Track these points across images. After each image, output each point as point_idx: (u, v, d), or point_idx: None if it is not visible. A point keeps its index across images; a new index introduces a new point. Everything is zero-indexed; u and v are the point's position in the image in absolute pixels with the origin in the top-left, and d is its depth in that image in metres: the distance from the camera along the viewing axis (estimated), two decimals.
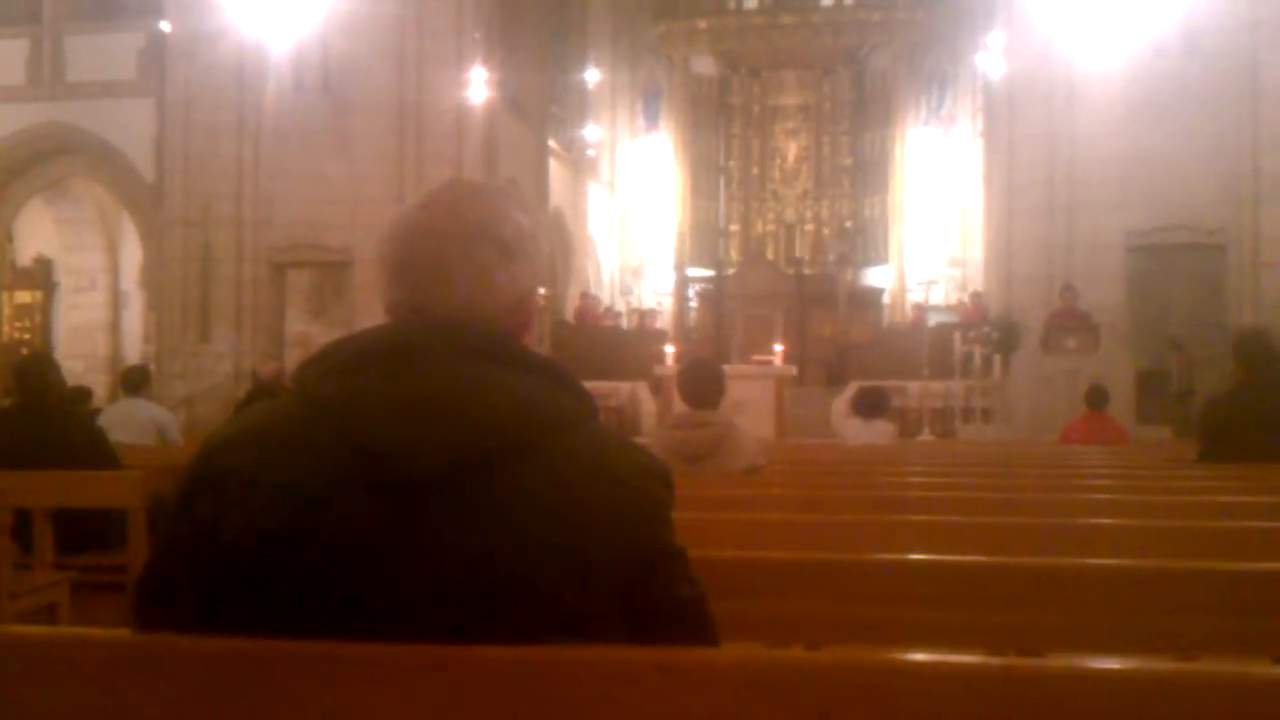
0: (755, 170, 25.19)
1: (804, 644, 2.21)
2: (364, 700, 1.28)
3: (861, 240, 24.47)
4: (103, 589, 5.03)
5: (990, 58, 16.37)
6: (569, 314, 20.91)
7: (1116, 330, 14.09)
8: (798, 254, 23.98)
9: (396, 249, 1.54)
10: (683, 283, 23.53)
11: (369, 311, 13.47)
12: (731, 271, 22.70)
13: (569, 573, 1.36)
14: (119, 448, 6.12)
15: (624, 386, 16.37)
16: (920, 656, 1.31)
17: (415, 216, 1.55)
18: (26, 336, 19.87)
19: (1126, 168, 14.32)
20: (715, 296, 21.85)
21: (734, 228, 25.17)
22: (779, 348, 15.65)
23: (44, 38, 17.36)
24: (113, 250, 20.03)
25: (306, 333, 16.08)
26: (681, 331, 21.69)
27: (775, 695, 1.25)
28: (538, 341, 14.75)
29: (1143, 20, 13.88)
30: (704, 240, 24.87)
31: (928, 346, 15.54)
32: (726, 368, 5.50)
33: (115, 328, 20.11)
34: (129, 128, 16.65)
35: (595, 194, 24.97)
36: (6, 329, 19.89)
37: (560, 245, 22.58)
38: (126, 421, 8.13)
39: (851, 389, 12.88)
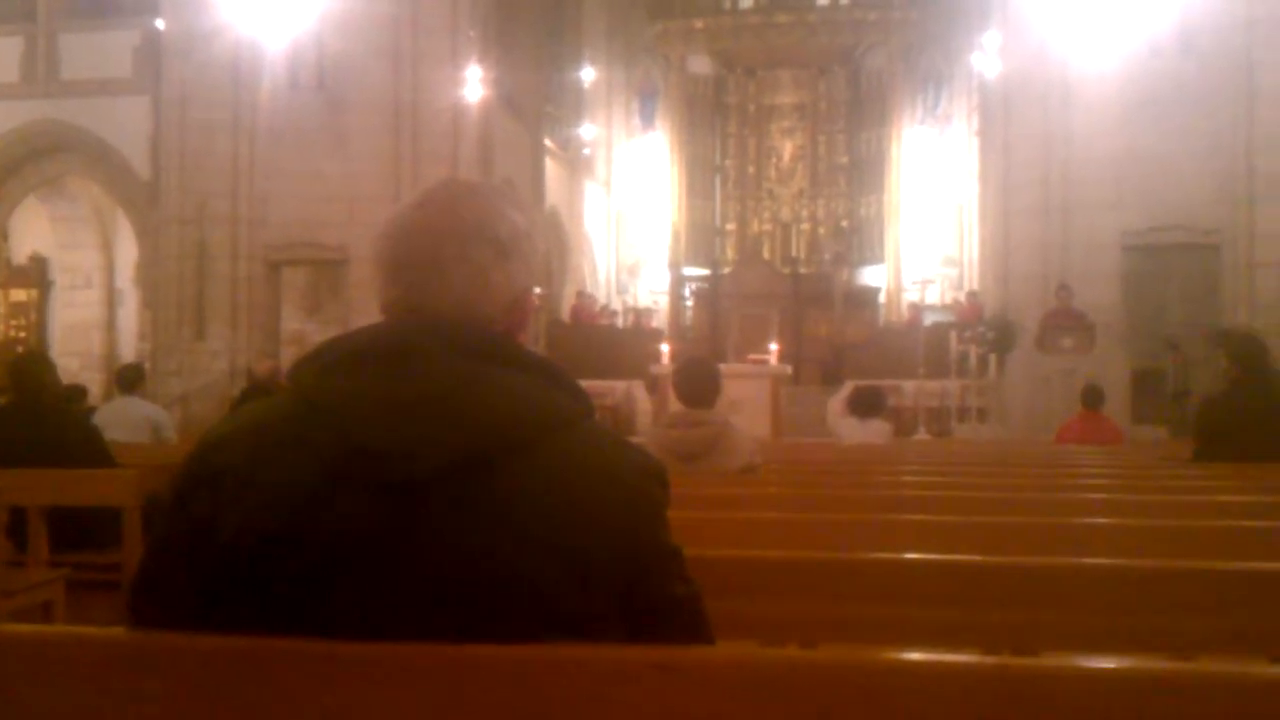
0: (751, 169, 25.19)
1: (799, 643, 2.21)
2: (362, 699, 1.28)
3: (857, 239, 24.48)
4: (98, 587, 5.03)
5: (986, 57, 16.39)
6: (565, 313, 20.92)
7: (1112, 330, 14.11)
8: (793, 253, 24.01)
9: (392, 247, 1.54)
10: (678, 282, 23.54)
11: (364, 310, 13.48)
12: (727, 270, 22.72)
13: (567, 572, 1.36)
14: (114, 446, 6.11)
15: (619, 385, 16.38)
16: (916, 655, 1.31)
17: (411, 215, 1.55)
18: (22, 334, 19.85)
19: (1122, 167, 14.34)
20: (711, 295, 21.86)
21: (730, 227, 25.17)
22: (774, 347, 15.64)
23: (39, 35, 17.33)
24: (108, 248, 20.01)
25: (302, 331, 16.07)
26: (677, 330, 21.70)
27: (771, 694, 1.25)
28: (533, 340, 14.73)
29: (1138, 20, 13.90)
30: (700, 239, 24.87)
31: (923, 346, 15.54)
32: (722, 367, 5.50)
33: (110, 326, 20.09)
34: (124, 126, 16.63)
35: (591, 193, 24.98)
36: (1, 327, 19.88)
37: (556, 244, 22.59)
38: (121, 420, 8.11)
39: (847, 388, 12.91)
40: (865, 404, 8.78)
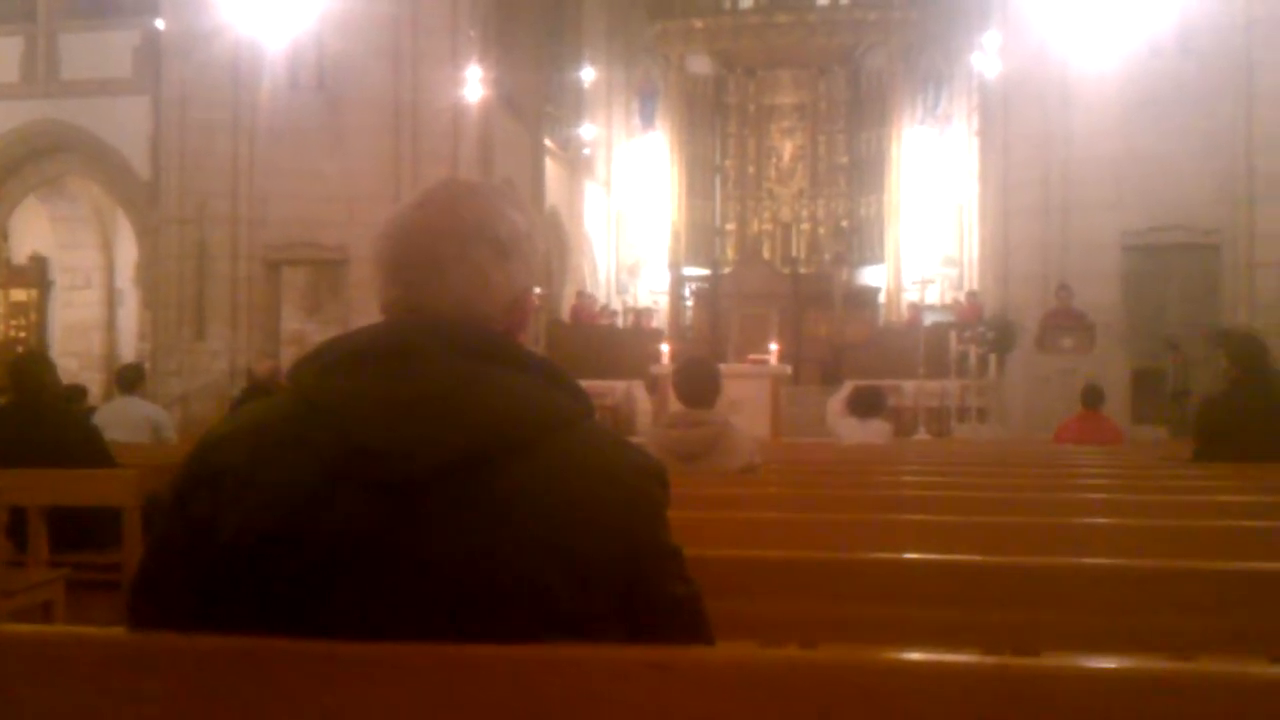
0: (751, 169, 25.19)
1: (799, 643, 2.21)
2: (361, 699, 1.28)
3: (857, 239, 24.48)
4: (98, 587, 5.03)
5: (986, 57, 16.39)
6: (565, 313, 20.92)
7: (1112, 330, 14.11)
8: (793, 253, 24.01)
9: (392, 247, 1.54)
10: (678, 282, 23.54)
11: (364, 310, 13.49)
12: (727, 270, 22.72)
13: (567, 572, 1.36)
14: (114, 446, 6.11)
15: (619, 385, 16.39)
16: (916, 656, 1.31)
17: (411, 215, 1.55)
18: (22, 334, 19.85)
19: (1121, 167, 14.34)
20: (711, 295, 21.85)
21: (730, 227, 25.17)
22: (774, 347, 15.63)
23: (39, 35, 17.32)
24: (108, 248, 20.01)
25: (302, 330, 16.08)
26: (677, 330, 21.70)
27: (771, 694, 1.25)
28: (533, 341, 14.74)
29: (1138, 20, 13.91)
30: (700, 239, 24.87)
31: (923, 346, 15.54)
32: (722, 367, 5.50)
33: (110, 326, 20.09)
34: (124, 126, 16.62)
35: (591, 193, 24.98)
36: (1, 327, 19.88)
37: (556, 244, 22.59)
38: (121, 420, 8.11)
39: (847, 388, 12.91)
40: (865, 404, 8.78)
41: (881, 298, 22.76)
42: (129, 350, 19.19)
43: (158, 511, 4.72)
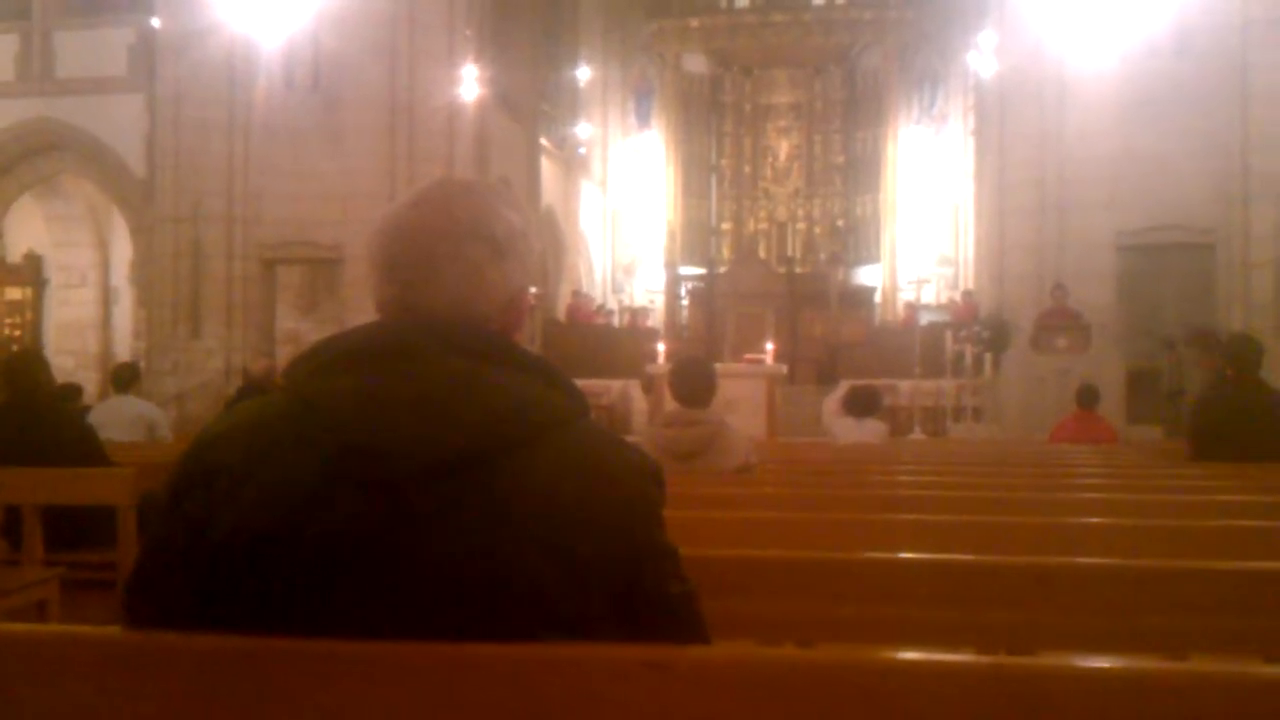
0: (747, 168, 25.22)
1: (796, 642, 2.21)
2: (359, 699, 1.28)
3: (853, 239, 24.52)
4: (93, 586, 5.02)
5: (982, 57, 16.40)
6: (560, 312, 20.92)
7: (1107, 330, 14.13)
8: (789, 252, 24.02)
9: (387, 246, 1.53)
10: (674, 281, 23.55)
11: (360, 309, 13.47)
12: (723, 270, 22.71)
13: (563, 571, 1.36)
14: (109, 445, 6.10)
15: (615, 385, 16.40)
16: (912, 655, 1.31)
17: (406, 214, 1.54)
18: (16, 333, 19.80)
19: (1117, 167, 14.35)
20: (707, 295, 21.85)
21: (726, 226, 25.19)
22: (770, 346, 15.62)
23: (33, 33, 17.29)
24: (103, 246, 19.97)
25: (297, 329, 16.08)
26: (673, 330, 21.70)
27: (767, 693, 1.25)
28: (529, 340, 14.73)
29: (1134, 20, 13.92)
30: (696, 238, 24.89)
31: (919, 345, 15.56)
32: (718, 366, 5.50)
33: (105, 324, 20.05)
34: (119, 124, 16.59)
35: (587, 192, 24.98)
36: None
37: (552, 243, 22.59)
38: (116, 418, 8.10)
39: (843, 388, 12.90)
40: (861, 403, 8.77)
41: (877, 297, 22.78)
42: (124, 349, 19.16)
43: (153, 510, 4.70)
